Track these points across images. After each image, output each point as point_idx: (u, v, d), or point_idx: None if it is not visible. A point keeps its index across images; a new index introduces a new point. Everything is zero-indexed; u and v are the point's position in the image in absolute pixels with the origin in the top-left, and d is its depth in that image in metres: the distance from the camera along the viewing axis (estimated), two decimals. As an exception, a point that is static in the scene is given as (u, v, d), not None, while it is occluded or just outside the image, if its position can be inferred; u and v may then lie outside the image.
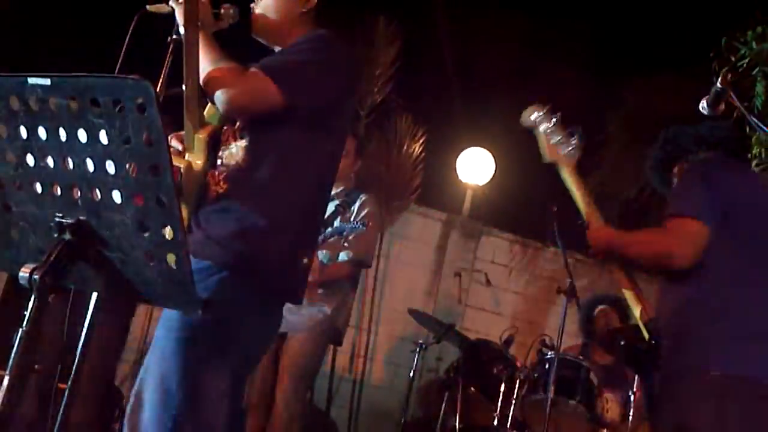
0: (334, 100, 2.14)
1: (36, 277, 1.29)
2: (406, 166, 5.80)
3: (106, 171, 1.28)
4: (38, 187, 1.37)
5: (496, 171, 6.22)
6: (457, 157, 6.23)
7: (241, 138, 2.11)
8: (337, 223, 3.42)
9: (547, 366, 3.52)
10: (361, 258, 3.53)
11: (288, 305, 3.25)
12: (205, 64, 1.98)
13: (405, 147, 5.79)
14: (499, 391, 3.63)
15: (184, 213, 2.07)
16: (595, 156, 6.23)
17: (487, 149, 6.25)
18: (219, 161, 2.12)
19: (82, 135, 1.27)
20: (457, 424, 3.64)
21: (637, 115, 6.42)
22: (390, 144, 5.79)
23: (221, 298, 1.96)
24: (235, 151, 2.11)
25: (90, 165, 1.29)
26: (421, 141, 5.83)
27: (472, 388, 3.80)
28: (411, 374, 4.31)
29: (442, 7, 6.56)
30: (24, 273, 1.30)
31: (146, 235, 1.29)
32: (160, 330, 1.98)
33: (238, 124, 2.14)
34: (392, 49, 5.62)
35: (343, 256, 3.45)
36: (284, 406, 3.32)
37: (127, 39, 2.03)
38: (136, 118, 1.20)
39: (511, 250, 6.10)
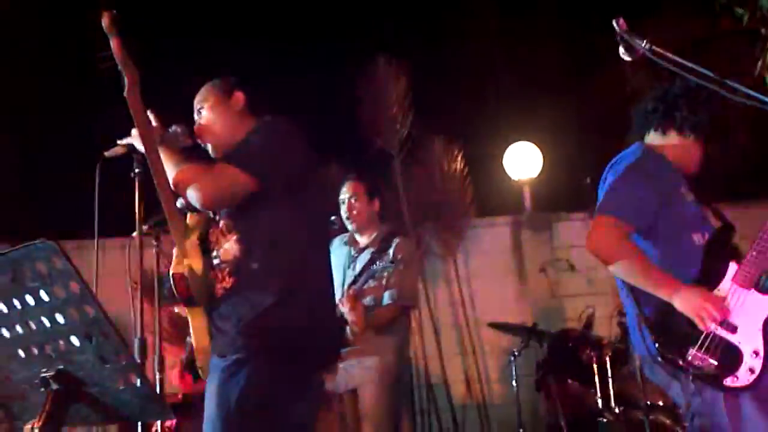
0: (298, 167, 2.29)
1: (36, 429, 1.46)
2: (453, 185, 5.84)
3: (59, 322, 1.44)
4: (21, 353, 1.56)
5: (544, 160, 6.18)
6: (502, 158, 6.23)
7: (230, 233, 2.28)
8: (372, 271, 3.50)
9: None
10: (406, 296, 3.58)
11: (348, 362, 3.39)
12: (170, 170, 2.17)
13: (446, 167, 5.84)
14: (594, 375, 3.57)
15: (201, 315, 2.24)
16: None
17: (530, 141, 6.23)
18: (216, 261, 2.28)
19: (29, 299, 1.45)
20: (561, 421, 3.59)
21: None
22: (431, 171, 5.86)
23: (257, 385, 2.10)
24: (229, 246, 2.27)
25: (46, 321, 1.46)
26: (459, 156, 5.87)
27: (569, 380, 3.75)
28: (514, 384, 4.29)
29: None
30: (27, 430, 1.48)
31: (108, 366, 1.44)
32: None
33: (222, 223, 2.31)
34: (400, 83, 5.73)
35: (386, 297, 3.52)
36: None
37: (96, 191, 2.24)
38: (57, 272, 1.37)
39: (586, 227, 5.97)
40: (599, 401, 3.53)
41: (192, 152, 2.30)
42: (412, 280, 3.63)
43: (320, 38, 6.24)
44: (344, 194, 3.70)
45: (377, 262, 3.49)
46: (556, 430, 3.63)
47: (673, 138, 2.53)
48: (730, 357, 2.25)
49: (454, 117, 6.12)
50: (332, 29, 6.34)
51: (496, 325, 4.37)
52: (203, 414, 2.11)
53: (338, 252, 3.80)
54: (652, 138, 2.58)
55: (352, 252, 3.73)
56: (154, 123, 2.26)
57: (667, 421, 3.40)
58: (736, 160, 4.19)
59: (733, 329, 2.28)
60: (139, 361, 2.27)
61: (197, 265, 2.20)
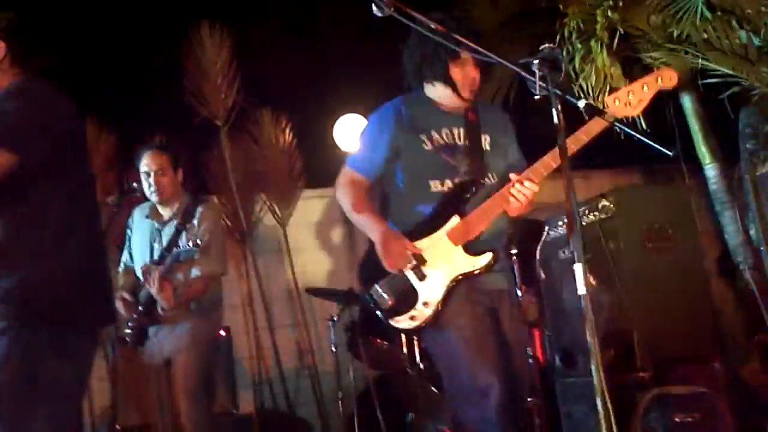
0: (62, 141, 2.14)
1: None
2: (282, 156, 5.82)
3: None
4: None
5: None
6: (332, 129, 6.25)
7: None
8: (182, 243, 3.45)
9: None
10: (214, 266, 3.58)
11: (162, 328, 3.35)
12: None
13: (274, 139, 5.80)
14: (400, 334, 3.68)
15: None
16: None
17: (360, 114, 6.29)
18: None
19: None
20: (371, 381, 3.69)
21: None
22: (258, 142, 5.80)
23: (13, 352, 1.99)
24: None
25: None
26: (288, 128, 5.85)
27: (378, 340, 3.85)
28: (333, 349, 4.37)
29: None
30: None
31: None
32: None
33: None
34: (224, 51, 5.60)
35: (195, 271, 3.51)
36: (192, 426, 3.36)
37: None
38: None
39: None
40: (405, 363, 3.64)
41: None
42: (218, 248, 3.60)
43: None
44: (146, 166, 3.59)
45: (183, 241, 3.44)
46: (365, 389, 3.72)
47: (438, 88, 2.67)
48: (407, 300, 2.47)
49: (284, 88, 6.06)
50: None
51: (313, 291, 4.42)
52: None
53: (140, 225, 3.71)
54: (429, 91, 2.71)
55: (156, 225, 3.64)
56: None
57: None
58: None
59: (422, 276, 2.47)
60: None
61: None
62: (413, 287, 2.47)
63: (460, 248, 2.47)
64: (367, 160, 2.70)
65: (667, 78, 2.37)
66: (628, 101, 2.33)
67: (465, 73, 2.59)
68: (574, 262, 1.69)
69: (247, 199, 5.79)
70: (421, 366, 3.63)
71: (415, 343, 3.62)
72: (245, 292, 5.74)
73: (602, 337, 2.87)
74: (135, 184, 3.57)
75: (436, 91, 2.67)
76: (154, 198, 3.61)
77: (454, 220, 2.49)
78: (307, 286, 5.66)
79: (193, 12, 5.74)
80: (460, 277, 2.46)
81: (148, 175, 3.57)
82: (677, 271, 3.92)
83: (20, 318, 2.04)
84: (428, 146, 2.58)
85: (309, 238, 6.05)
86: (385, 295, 2.48)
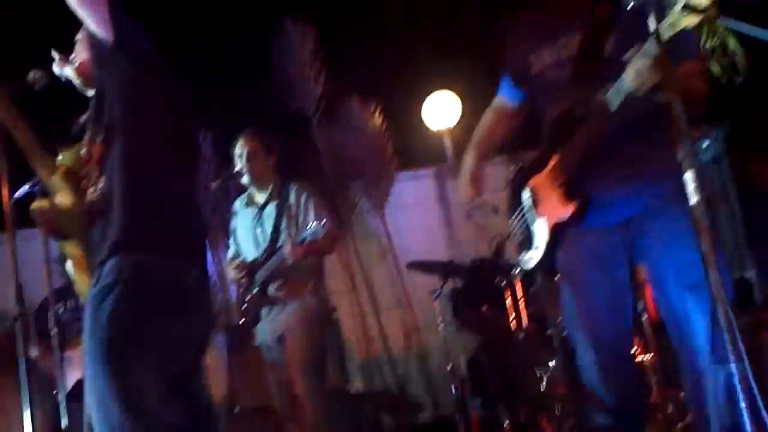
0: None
1: None
2: (373, 141, 5.88)
3: None
4: None
5: (462, 111, 6.23)
6: (420, 109, 6.26)
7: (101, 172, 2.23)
8: (284, 225, 3.54)
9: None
10: (333, 230, 3.60)
11: (273, 309, 3.41)
12: None
13: (364, 125, 5.87)
14: (505, 298, 3.66)
15: (75, 248, 2.21)
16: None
17: (448, 90, 6.27)
18: (92, 194, 2.25)
19: None
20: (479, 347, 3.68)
21: None
22: (348, 129, 5.89)
23: (125, 307, 2.02)
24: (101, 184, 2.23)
25: None
26: (377, 113, 5.90)
27: (483, 307, 3.83)
28: (439, 321, 4.37)
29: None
30: None
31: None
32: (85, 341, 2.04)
33: (93, 159, 2.27)
34: (309, 43, 5.72)
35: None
36: (310, 404, 3.43)
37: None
38: None
39: (507, 170, 6.06)
40: (512, 324, 3.61)
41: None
42: (326, 212, 3.65)
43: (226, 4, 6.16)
44: (239, 148, 3.72)
45: (290, 219, 3.51)
46: (475, 356, 3.71)
47: None
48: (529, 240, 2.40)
49: (369, 72, 6.11)
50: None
51: (414, 265, 4.44)
52: None
53: (242, 215, 3.83)
54: None
55: (254, 211, 3.76)
56: None
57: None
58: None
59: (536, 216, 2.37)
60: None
61: (65, 199, 2.18)
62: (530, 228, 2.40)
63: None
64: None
65: None
66: None
67: None
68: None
69: (342, 186, 5.89)
70: (529, 329, 3.58)
71: (521, 305, 3.58)
72: (348, 276, 5.83)
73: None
74: (234, 171, 3.69)
75: None
76: (246, 180, 3.72)
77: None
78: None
79: (276, 7, 5.89)
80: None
81: (241, 157, 3.70)
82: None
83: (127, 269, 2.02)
84: None
85: (406, 220, 6.08)
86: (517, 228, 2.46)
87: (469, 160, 2.55)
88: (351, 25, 6.42)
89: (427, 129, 6.29)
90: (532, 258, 2.38)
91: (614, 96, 1.99)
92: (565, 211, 2.23)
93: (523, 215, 2.41)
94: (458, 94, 6.27)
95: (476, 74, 6.44)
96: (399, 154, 6.00)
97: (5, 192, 2.62)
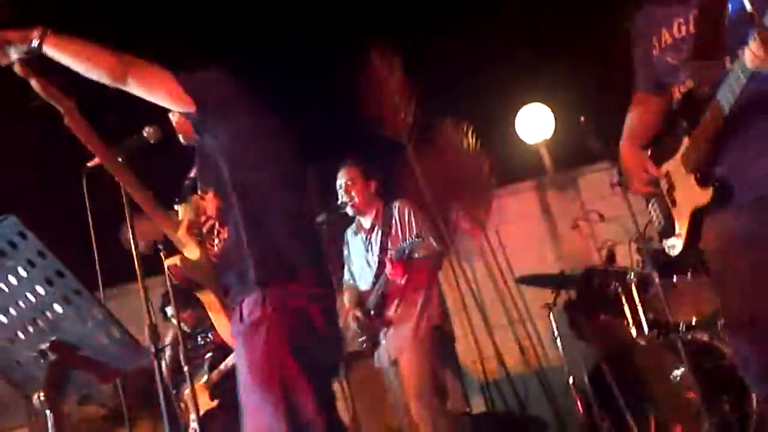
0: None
1: (41, 397, 1.60)
2: (468, 161, 5.89)
3: (40, 294, 1.58)
4: (21, 334, 1.70)
5: (556, 121, 6.19)
6: (513, 123, 6.25)
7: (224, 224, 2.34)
8: (390, 245, 3.61)
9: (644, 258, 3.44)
10: (434, 248, 3.65)
11: (388, 330, 3.46)
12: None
13: (459, 145, 5.89)
14: (622, 305, 3.57)
15: (213, 297, 2.33)
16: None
17: (539, 102, 6.25)
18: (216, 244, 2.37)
19: (13, 279, 1.60)
20: (599, 357, 3.59)
21: None
22: (443, 151, 5.92)
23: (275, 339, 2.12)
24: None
25: (30, 296, 1.60)
26: (469, 133, 5.92)
27: (601, 316, 3.75)
28: (556, 333, 4.30)
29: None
30: (35, 400, 1.62)
31: (89, 324, 1.57)
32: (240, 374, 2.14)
33: (208, 212, 2.39)
34: (396, 72, 5.81)
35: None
36: (427, 428, 3.45)
37: (86, 199, 2.39)
38: (25, 245, 1.51)
39: (610, 175, 5.93)
40: (632, 330, 3.51)
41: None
42: (428, 230, 3.69)
43: (310, 35, 6.33)
44: (340, 179, 3.83)
45: (391, 238, 3.59)
46: (597, 368, 3.62)
47: None
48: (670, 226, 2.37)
49: (460, 91, 6.15)
50: (320, 27, 6.43)
51: (524, 280, 4.39)
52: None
53: (353, 243, 3.93)
54: None
55: (363, 237, 3.85)
56: None
57: (704, 338, 3.35)
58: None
59: (674, 202, 2.34)
60: (153, 347, 2.38)
61: (193, 253, 2.30)
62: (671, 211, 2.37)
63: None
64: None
65: None
66: None
67: None
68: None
69: (443, 208, 5.91)
70: (650, 335, 3.47)
71: (640, 309, 3.48)
72: (457, 297, 5.82)
73: None
74: (339, 202, 3.80)
75: None
76: (349, 210, 3.81)
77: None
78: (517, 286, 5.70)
79: (357, 38, 6.00)
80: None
81: (341, 187, 3.81)
82: None
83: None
84: None
85: (510, 235, 6.03)
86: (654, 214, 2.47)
87: (624, 152, 2.47)
88: (439, 46, 6.49)
89: (523, 143, 6.27)
90: (675, 245, 2.34)
91: (736, 77, 1.95)
92: (703, 197, 2.21)
93: (661, 202, 2.39)
94: (549, 105, 6.24)
95: (564, 85, 6.39)
96: (497, 171, 5.97)
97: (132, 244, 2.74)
